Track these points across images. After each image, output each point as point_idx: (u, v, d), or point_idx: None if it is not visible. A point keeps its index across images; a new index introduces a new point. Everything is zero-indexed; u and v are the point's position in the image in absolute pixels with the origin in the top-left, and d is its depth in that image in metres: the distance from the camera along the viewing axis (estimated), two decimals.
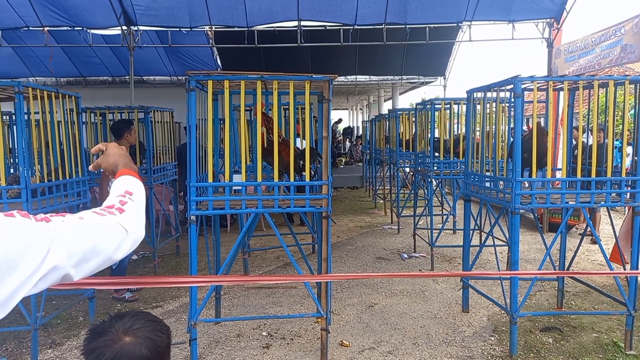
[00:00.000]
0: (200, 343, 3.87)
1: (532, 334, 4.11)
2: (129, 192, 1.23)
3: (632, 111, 4.01)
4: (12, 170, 5.61)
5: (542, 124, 4.39)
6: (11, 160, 6.21)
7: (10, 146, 6.31)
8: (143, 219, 1.18)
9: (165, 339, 1.20)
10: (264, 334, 4.17)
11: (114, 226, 1.08)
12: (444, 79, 14.26)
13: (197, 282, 3.80)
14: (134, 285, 5.03)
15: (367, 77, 14.75)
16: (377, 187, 11.62)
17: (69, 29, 9.99)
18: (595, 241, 6.78)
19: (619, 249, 4.05)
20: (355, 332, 4.19)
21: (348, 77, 14.37)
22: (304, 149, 3.66)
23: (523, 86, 3.62)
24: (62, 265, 0.90)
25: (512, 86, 3.60)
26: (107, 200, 1.22)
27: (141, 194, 1.26)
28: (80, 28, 9.92)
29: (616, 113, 3.88)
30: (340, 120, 21.86)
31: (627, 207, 4.50)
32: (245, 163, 3.70)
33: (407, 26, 9.70)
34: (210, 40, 10.67)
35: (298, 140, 4.94)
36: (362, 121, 19.55)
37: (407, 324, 4.38)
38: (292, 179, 3.51)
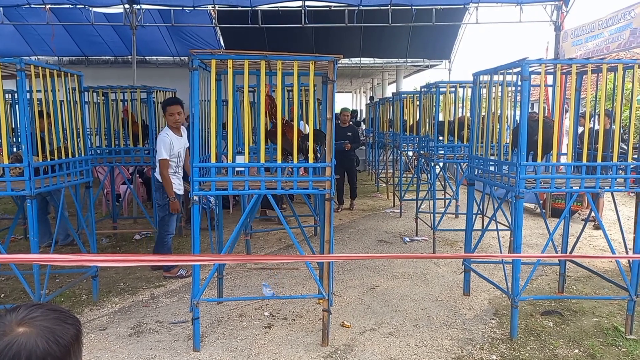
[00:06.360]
0: (203, 322, 3.91)
1: (533, 318, 4.13)
2: None
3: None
4: (14, 149, 5.61)
5: (547, 110, 4.34)
6: (14, 139, 6.21)
7: (13, 125, 6.30)
8: None
9: (71, 329, 0.99)
10: (266, 314, 4.20)
11: None
12: (449, 62, 14.10)
13: (201, 260, 3.81)
14: (139, 263, 5.06)
15: (372, 59, 14.61)
16: (380, 171, 11.60)
17: (71, 6, 9.89)
18: (598, 227, 6.78)
19: None
20: (357, 314, 4.22)
21: (352, 59, 14.23)
22: (308, 133, 3.63)
23: (531, 69, 3.57)
24: None
25: (519, 69, 3.55)
26: None
27: None
28: (82, 6, 9.81)
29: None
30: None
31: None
32: (249, 144, 3.68)
33: (413, 7, 9.56)
34: (214, 20, 10.55)
35: (302, 123, 4.92)
36: (366, 104, 19.43)
37: (408, 306, 4.40)
38: (295, 161, 3.49)
